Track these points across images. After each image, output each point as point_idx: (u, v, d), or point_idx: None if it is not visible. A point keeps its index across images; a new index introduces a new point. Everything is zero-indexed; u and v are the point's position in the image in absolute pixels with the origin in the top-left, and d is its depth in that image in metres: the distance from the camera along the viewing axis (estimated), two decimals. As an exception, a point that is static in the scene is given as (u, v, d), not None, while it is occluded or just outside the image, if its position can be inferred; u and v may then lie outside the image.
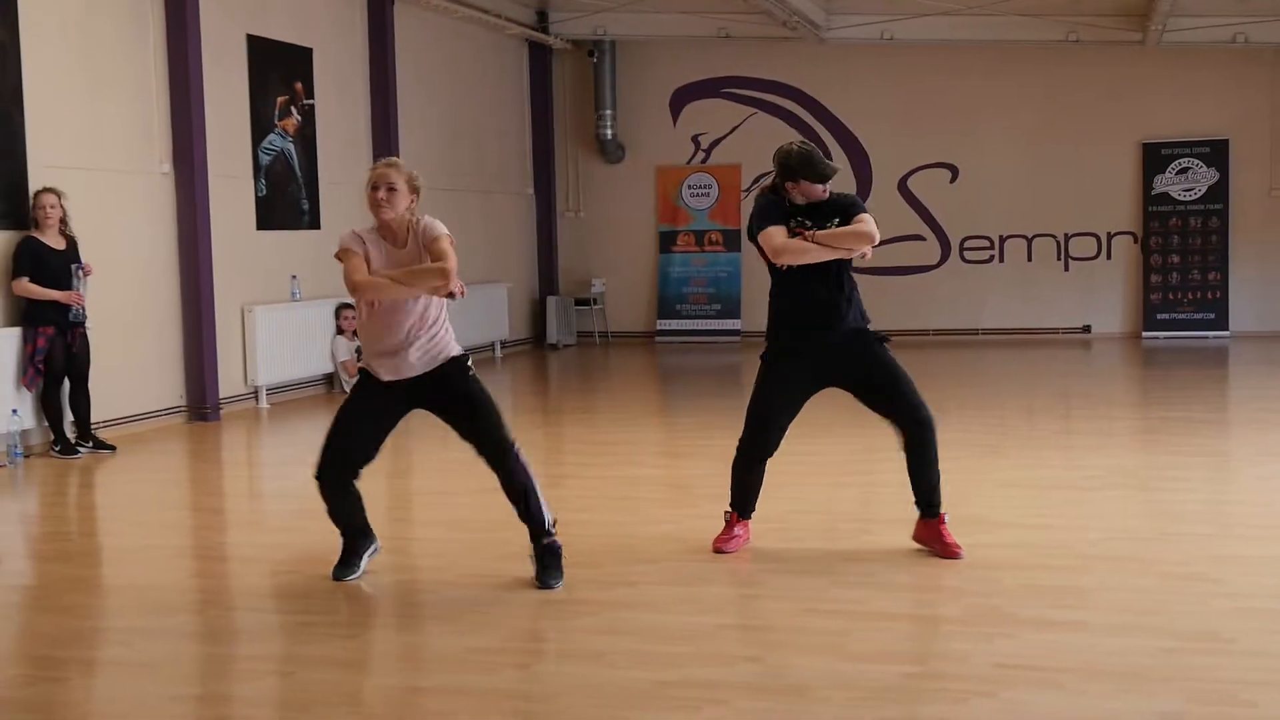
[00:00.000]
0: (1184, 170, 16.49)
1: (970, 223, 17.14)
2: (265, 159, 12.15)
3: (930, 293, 17.14)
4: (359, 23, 13.61)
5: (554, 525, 5.61)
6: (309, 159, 12.78)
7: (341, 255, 5.55)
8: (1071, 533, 6.27)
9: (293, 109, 12.52)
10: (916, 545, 5.99)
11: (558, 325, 17.31)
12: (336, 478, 5.66)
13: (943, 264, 17.21)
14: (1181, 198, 16.52)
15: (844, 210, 5.87)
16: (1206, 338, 16.31)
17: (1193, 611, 5.03)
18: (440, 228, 5.57)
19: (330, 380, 12.98)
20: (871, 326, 5.96)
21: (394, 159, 5.77)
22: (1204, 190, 16.45)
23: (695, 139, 17.93)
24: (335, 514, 5.77)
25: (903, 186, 17.27)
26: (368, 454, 5.67)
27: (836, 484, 7.67)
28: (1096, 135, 16.69)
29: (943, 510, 5.92)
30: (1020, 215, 17.00)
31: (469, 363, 5.67)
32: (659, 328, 17.99)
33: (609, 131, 17.77)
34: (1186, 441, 9.04)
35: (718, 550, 6.04)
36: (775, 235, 5.74)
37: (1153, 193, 16.62)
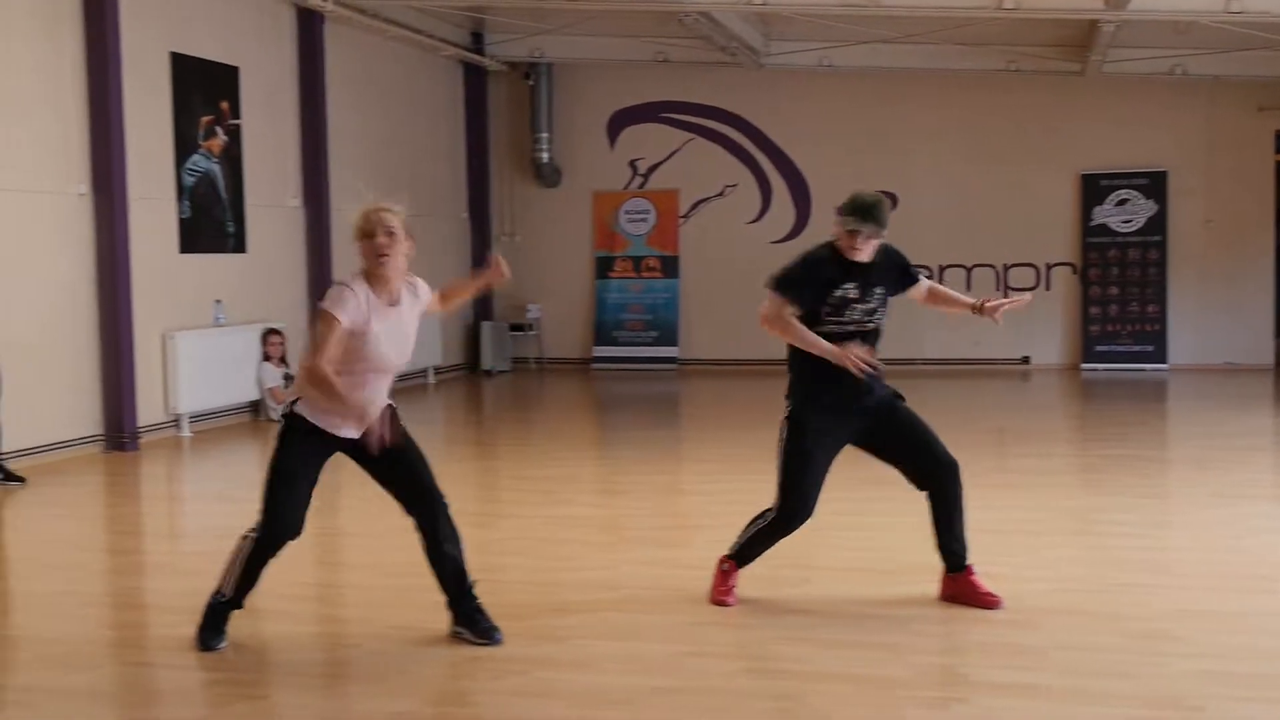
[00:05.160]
0: (1123, 201, 16.48)
1: (909, 251, 16.85)
2: (189, 180, 11.75)
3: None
4: (287, 41, 13.25)
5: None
6: (235, 180, 12.39)
7: (325, 322, 4.91)
8: (1023, 583, 6.04)
9: (218, 129, 12.13)
10: (861, 597, 5.74)
11: (492, 351, 16.98)
12: (293, 537, 5.16)
13: (882, 293, 17.02)
14: (1120, 229, 16.49)
15: (896, 273, 5.65)
16: (1144, 370, 16.28)
17: (1154, 674, 4.80)
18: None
19: (256, 407, 12.58)
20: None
21: (385, 203, 5.06)
22: (1143, 222, 16.43)
23: (633, 163, 17.70)
24: (256, 578, 5.25)
25: (842, 214, 17.10)
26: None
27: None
28: (1036, 165, 16.64)
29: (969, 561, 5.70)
30: (959, 244, 16.90)
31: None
32: (595, 354, 17.70)
33: (545, 155, 17.50)
34: (1134, 482, 8.86)
35: (719, 604, 5.71)
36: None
37: (1091, 224, 16.59)
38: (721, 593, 5.75)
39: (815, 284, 5.49)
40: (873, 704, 4.51)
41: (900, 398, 5.74)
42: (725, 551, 5.84)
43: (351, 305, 4.92)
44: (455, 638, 5.25)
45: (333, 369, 4.90)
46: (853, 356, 5.35)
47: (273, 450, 5.11)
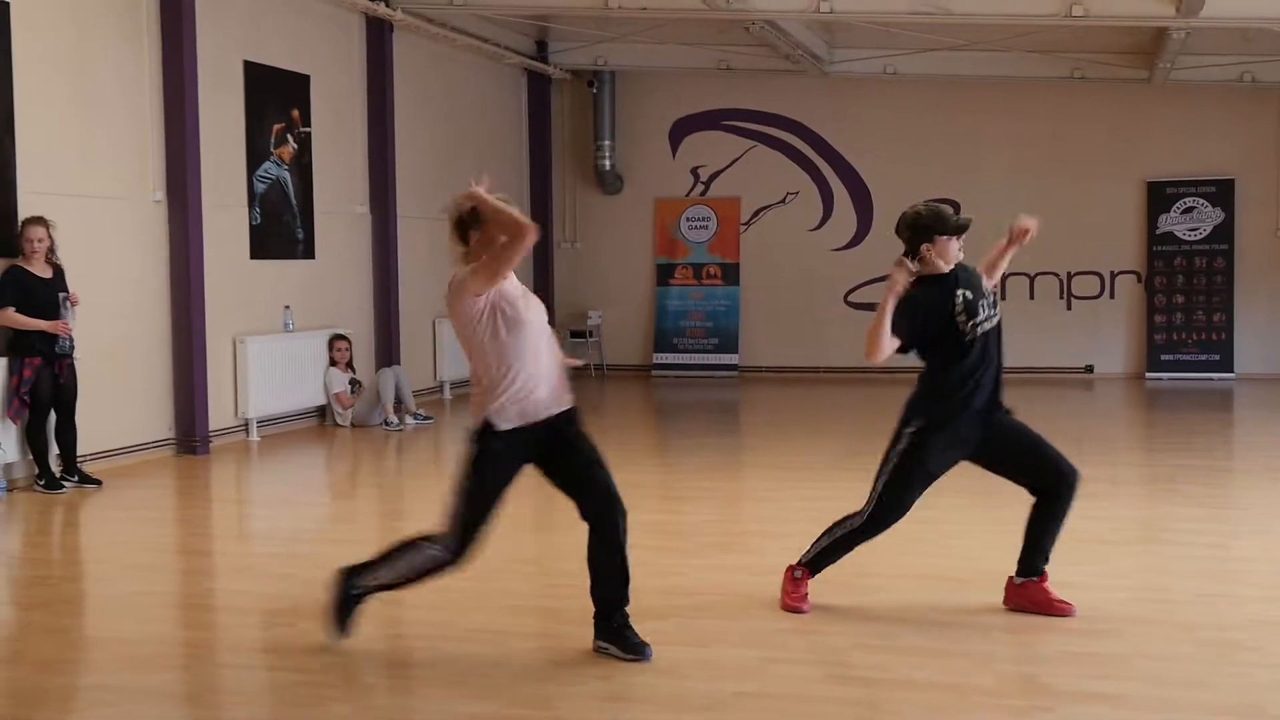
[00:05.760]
0: (1189, 209, 16.32)
1: (972, 259, 16.85)
2: (260, 187, 11.90)
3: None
4: (357, 49, 13.40)
5: None
6: (305, 187, 12.54)
7: (469, 276, 4.93)
8: (1100, 592, 6.01)
9: (289, 136, 12.28)
10: (937, 604, 5.74)
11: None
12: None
13: (944, 301, 16.96)
14: (1186, 237, 16.34)
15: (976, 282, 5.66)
16: (1211, 379, 16.11)
17: (1236, 685, 4.77)
18: None
19: (323, 413, 12.71)
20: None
21: None
22: (1209, 230, 16.27)
23: (694, 171, 17.74)
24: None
25: (904, 222, 17.03)
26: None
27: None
28: (1101, 173, 16.52)
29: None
30: (1022, 252, 16.51)
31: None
32: (656, 361, 17.75)
33: (607, 162, 17.57)
34: (1204, 492, 8.81)
35: (793, 610, 5.73)
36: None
37: (1157, 232, 16.45)
38: (795, 599, 5.76)
39: (919, 313, 5.48)
40: (956, 712, 4.50)
41: (1009, 411, 5.72)
42: (796, 560, 5.84)
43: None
44: (599, 653, 5.11)
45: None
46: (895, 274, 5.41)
47: (464, 469, 5.01)
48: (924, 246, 5.54)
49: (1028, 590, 5.69)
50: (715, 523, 8.29)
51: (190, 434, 10.80)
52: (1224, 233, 16.26)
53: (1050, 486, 5.63)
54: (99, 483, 9.31)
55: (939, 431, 5.52)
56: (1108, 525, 7.69)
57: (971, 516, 7.69)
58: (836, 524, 5.76)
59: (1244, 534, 7.64)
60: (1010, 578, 5.75)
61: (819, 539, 5.79)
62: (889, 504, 5.58)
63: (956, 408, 5.53)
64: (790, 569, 5.83)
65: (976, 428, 5.57)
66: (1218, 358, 16.24)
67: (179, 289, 10.75)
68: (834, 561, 5.78)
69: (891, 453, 5.61)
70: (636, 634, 5.11)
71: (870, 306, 16.67)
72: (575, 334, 17.57)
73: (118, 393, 10.22)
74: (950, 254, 5.56)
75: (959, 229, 5.57)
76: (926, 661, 5.04)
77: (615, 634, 5.10)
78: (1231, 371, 16.17)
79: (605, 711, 4.61)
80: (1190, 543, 7.27)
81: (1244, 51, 14.79)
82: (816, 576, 5.81)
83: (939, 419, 5.53)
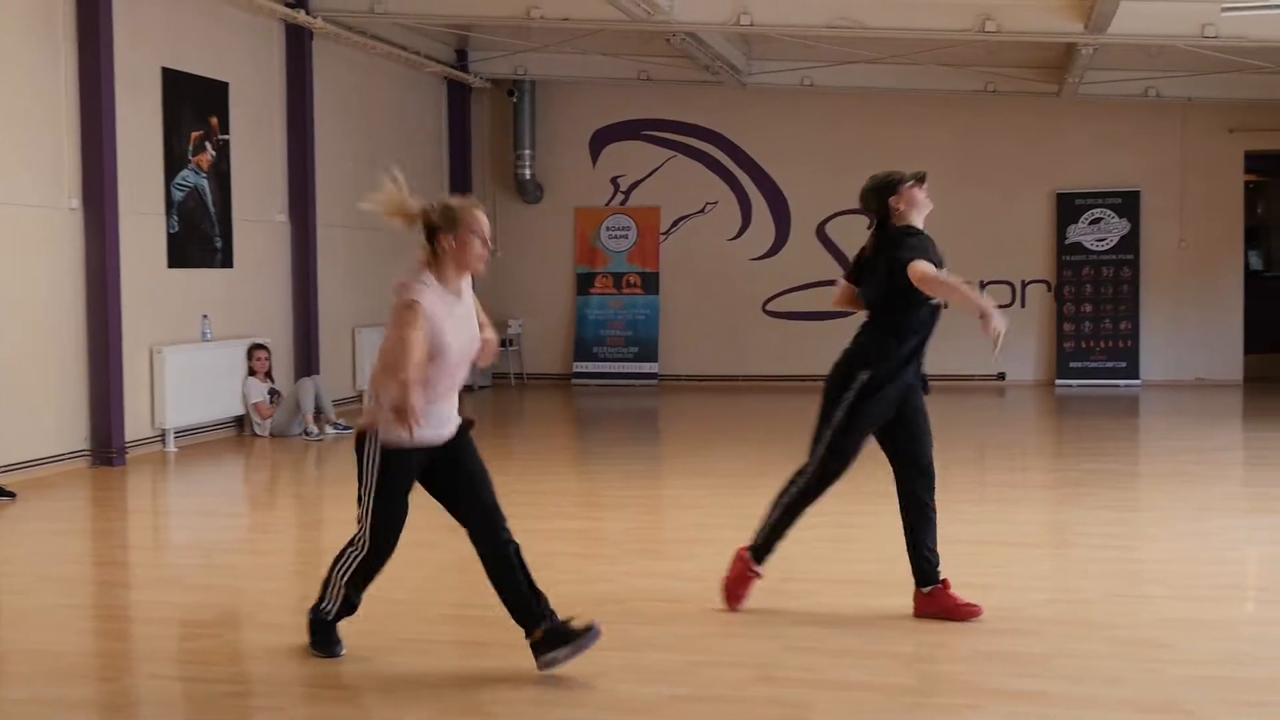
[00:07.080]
0: (1096, 220, 16.72)
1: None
2: (178, 195, 11.78)
3: (848, 338, 17.06)
4: (276, 57, 13.30)
5: None
6: (223, 195, 12.43)
7: (409, 311, 4.79)
8: (1016, 593, 6.17)
9: (207, 144, 12.16)
10: (865, 607, 5.86)
11: (473, 366, 16.99)
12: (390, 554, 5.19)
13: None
14: (1094, 247, 16.73)
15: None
16: (1117, 386, 16.49)
17: (1152, 681, 4.93)
18: None
19: (241, 423, 12.60)
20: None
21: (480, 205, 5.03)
22: (1116, 240, 16.68)
23: (614, 180, 17.82)
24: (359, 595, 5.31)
25: (821, 232, 17.28)
26: None
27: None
28: (1012, 184, 16.87)
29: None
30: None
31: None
32: (576, 370, 17.79)
33: (528, 171, 17.60)
34: (1115, 495, 9.04)
35: (730, 598, 5.82)
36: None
37: (1066, 242, 16.82)
38: (737, 596, 5.82)
39: (932, 251, 5.53)
40: (887, 711, 4.61)
41: (927, 389, 5.81)
42: (743, 546, 5.85)
43: (431, 295, 4.86)
44: (548, 668, 4.97)
45: (421, 377, 4.80)
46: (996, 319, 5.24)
47: (372, 474, 5.02)
48: (892, 200, 5.63)
49: (935, 598, 5.73)
50: (640, 529, 8.35)
51: (106, 445, 10.65)
52: (1130, 243, 16.67)
53: (911, 474, 5.70)
54: (13, 495, 9.17)
55: (884, 383, 5.62)
56: (1021, 529, 7.90)
57: (893, 520, 7.81)
58: (783, 491, 5.78)
59: (1152, 536, 7.85)
60: (916, 589, 5.76)
61: (769, 513, 5.80)
62: (836, 453, 5.64)
63: (900, 364, 5.63)
64: (742, 554, 5.83)
65: (902, 392, 5.67)
66: (1124, 365, 16.65)
67: (95, 297, 10.61)
68: (783, 536, 5.78)
69: (840, 401, 5.66)
70: (571, 626, 5.00)
71: (789, 315, 16.85)
72: (495, 343, 17.56)
73: (32, 403, 10.06)
74: (918, 200, 5.63)
75: (918, 176, 5.68)
76: (855, 663, 5.16)
77: (558, 636, 5.00)
78: (1137, 379, 16.57)
79: (539, 716, 4.66)
80: (1101, 545, 7.47)
81: (1149, 67, 15.20)
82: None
83: (885, 371, 5.63)
